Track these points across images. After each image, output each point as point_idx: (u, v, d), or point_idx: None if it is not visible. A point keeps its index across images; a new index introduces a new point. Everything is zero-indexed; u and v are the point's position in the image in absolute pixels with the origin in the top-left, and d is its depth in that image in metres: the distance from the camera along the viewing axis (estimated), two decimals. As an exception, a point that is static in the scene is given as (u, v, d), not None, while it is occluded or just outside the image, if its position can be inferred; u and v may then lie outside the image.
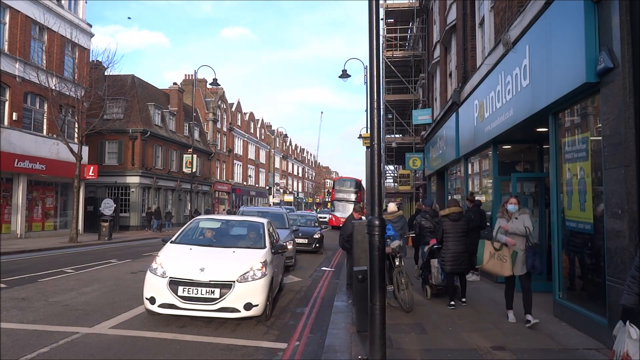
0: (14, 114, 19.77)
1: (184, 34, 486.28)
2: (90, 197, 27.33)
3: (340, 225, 34.00)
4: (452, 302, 7.54)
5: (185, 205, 36.67)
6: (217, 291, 6.21)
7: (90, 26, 25.33)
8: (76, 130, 21.05)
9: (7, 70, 19.28)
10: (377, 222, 4.69)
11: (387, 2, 25.12)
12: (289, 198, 65.77)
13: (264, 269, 6.67)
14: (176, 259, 6.76)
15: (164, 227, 30.53)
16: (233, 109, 51.79)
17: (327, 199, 73.79)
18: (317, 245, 17.39)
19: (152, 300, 6.29)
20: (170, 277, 6.31)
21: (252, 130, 58.77)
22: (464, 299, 7.78)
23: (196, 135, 38.05)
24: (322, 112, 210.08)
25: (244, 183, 55.22)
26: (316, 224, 20.26)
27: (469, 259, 10.32)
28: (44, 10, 21.19)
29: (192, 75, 39.94)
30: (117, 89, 23.95)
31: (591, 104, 6.05)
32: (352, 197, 37.25)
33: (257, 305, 6.35)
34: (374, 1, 4.88)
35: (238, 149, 53.24)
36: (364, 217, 8.82)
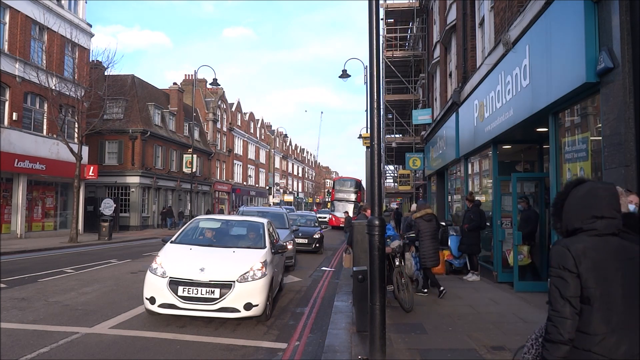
0: (14, 114, 19.77)
1: (186, 34, 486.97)
2: (90, 197, 27.33)
3: (340, 225, 34.07)
4: (426, 290, 8.56)
5: (185, 205, 36.70)
6: (217, 291, 6.21)
7: (90, 26, 25.33)
8: (76, 130, 21.05)
9: (7, 70, 19.27)
10: (377, 222, 4.69)
11: (387, 2, 25.13)
12: (289, 198, 65.79)
13: (264, 269, 6.67)
14: (176, 259, 6.76)
15: (177, 225, 31.08)
16: (233, 109, 51.80)
17: (327, 199, 73.78)
18: (317, 245, 17.40)
19: (152, 300, 6.29)
20: (170, 277, 6.31)
21: (252, 130, 58.78)
22: (425, 290, 8.51)
23: (196, 135, 38.06)
24: (322, 112, 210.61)
25: (244, 183, 55.22)
26: (316, 224, 20.28)
27: (470, 258, 10.37)
28: (44, 10, 21.18)
29: (192, 75, 39.96)
30: (117, 89, 23.93)
31: (591, 104, 6.06)
32: (352, 197, 37.28)
33: (257, 305, 6.35)
34: (374, 1, 4.88)
35: (238, 149, 53.24)
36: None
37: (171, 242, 7.54)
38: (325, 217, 36.59)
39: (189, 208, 33.44)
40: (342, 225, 31.86)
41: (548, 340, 2.18)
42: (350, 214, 27.00)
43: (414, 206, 11.14)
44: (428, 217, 8.48)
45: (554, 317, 2.16)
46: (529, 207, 8.98)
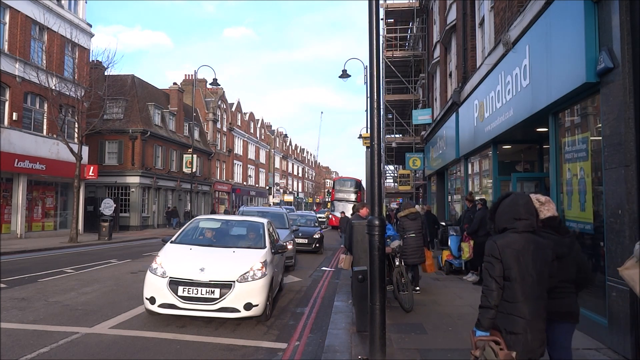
0: (14, 114, 19.76)
1: (187, 34, 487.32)
2: (90, 197, 27.32)
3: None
4: (417, 288, 8.67)
5: (185, 205, 36.73)
6: (217, 291, 6.21)
7: (90, 26, 25.32)
8: (76, 130, 21.04)
9: (7, 70, 19.26)
10: (377, 222, 4.69)
11: (387, 2, 25.13)
12: (289, 198, 65.77)
13: (264, 269, 6.67)
14: (176, 259, 6.76)
15: (183, 225, 31.17)
16: (233, 109, 51.79)
17: (327, 199, 73.75)
18: (317, 245, 17.40)
19: (152, 300, 6.29)
20: (170, 277, 6.31)
21: (252, 130, 58.77)
22: (417, 288, 8.62)
23: (196, 135, 38.06)
24: (322, 112, 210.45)
25: (244, 183, 55.20)
26: (316, 224, 20.27)
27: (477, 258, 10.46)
28: (44, 10, 21.17)
29: (192, 75, 39.97)
30: (117, 89, 23.93)
31: (591, 104, 6.05)
32: (352, 197, 37.22)
33: (257, 305, 6.35)
34: (374, 1, 4.88)
35: (238, 149, 53.23)
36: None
37: (171, 242, 7.55)
38: (322, 217, 36.55)
39: (189, 208, 33.48)
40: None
41: (481, 307, 3.04)
42: (347, 215, 26.96)
43: (417, 207, 11.19)
44: (412, 216, 8.67)
45: (485, 290, 3.04)
46: (484, 207, 9.56)
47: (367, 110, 24.04)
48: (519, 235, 3.06)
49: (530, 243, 3.04)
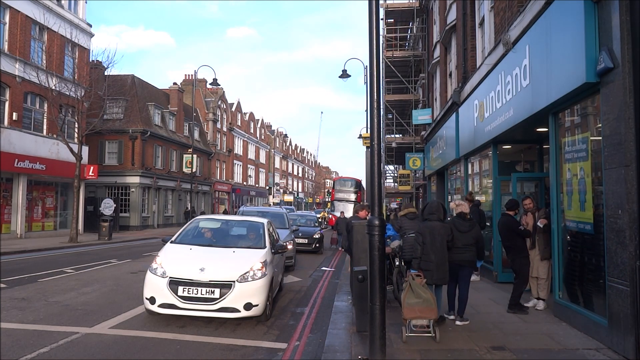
0: (14, 114, 19.76)
1: (190, 34, 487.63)
2: (90, 197, 27.33)
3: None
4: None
5: (185, 205, 36.72)
6: (217, 291, 6.22)
7: (90, 26, 25.32)
8: (76, 130, 21.04)
9: (7, 70, 19.26)
10: (377, 222, 4.69)
11: (387, 2, 25.12)
12: (289, 198, 65.77)
13: (264, 269, 6.67)
14: (176, 259, 6.77)
15: None
16: (233, 109, 51.78)
17: (327, 199, 73.73)
18: (317, 245, 17.40)
19: (152, 300, 6.29)
20: (170, 277, 6.31)
21: (252, 130, 58.77)
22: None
23: (196, 135, 38.06)
24: (322, 112, 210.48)
25: (244, 183, 55.21)
26: (316, 224, 20.29)
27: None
28: (44, 10, 21.17)
29: (192, 75, 39.97)
30: (117, 89, 23.93)
31: (591, 104, 6.05)
32: (352, 197, 37.17)
33: (257, 305, 6.36)
34: (374, 1, 4.88)
35: (238, 149, 53.23)
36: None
37: (171, 242, 7.55)
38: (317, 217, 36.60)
39: (189, 208, 33.45)
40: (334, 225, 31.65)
41: (413, 258, 6.43)
42: (347, 215, 26.88)
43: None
44: (411, 216, 8.51)
45: (415, 249, 6.31)
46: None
47: (367, 110, 24.04)
48: (432, 222, 6.25)
49: (437, 225, 6.21)
